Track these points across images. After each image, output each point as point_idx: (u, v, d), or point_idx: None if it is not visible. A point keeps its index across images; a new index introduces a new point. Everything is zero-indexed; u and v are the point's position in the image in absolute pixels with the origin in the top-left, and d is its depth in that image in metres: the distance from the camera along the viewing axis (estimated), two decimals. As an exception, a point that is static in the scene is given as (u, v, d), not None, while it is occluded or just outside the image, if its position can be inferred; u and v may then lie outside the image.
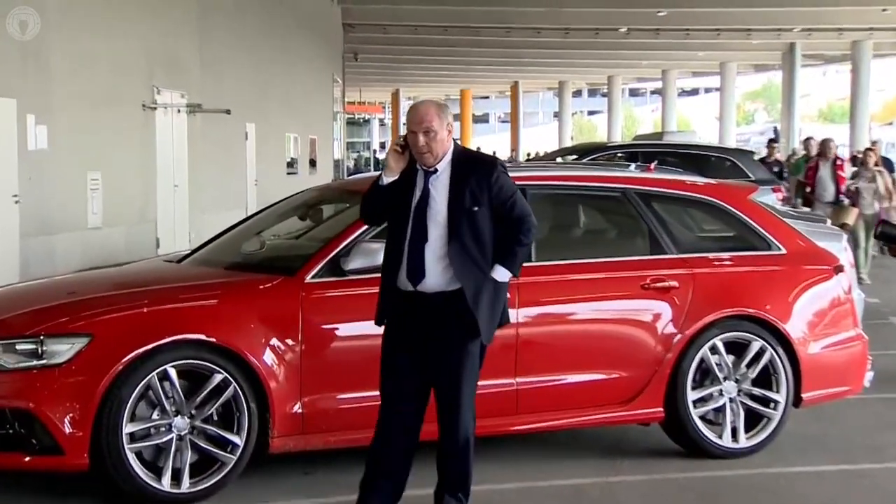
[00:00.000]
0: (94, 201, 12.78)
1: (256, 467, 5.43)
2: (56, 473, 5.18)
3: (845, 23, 31.68)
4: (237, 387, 5.20)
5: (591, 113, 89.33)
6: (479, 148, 44.27)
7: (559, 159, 15.10)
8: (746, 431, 6.12)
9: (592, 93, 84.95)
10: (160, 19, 15.22)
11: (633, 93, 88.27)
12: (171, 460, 5.12)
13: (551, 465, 5.97)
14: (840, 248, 7.12)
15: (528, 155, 47.65)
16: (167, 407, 5.13)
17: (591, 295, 5.95)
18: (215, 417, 5.23)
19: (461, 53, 41.42)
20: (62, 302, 5.41)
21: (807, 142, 18.07)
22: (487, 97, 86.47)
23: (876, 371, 6.62)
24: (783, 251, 6.40)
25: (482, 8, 29.68)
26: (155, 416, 5.13)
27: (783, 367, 6.14)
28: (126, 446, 5.03)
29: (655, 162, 7.29)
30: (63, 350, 5.00)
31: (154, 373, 5.07)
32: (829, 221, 9.12)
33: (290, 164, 25.54)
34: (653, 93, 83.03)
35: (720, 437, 6.08)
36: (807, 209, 13.02)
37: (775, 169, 16.73)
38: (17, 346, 5.02)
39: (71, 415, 4.94)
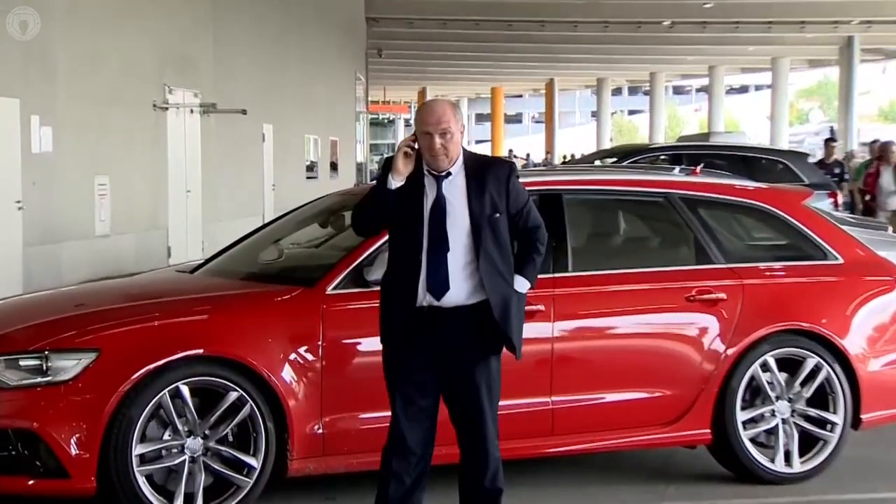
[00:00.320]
0: (101, 207, 12.88)
1: (274, 491, 5.44)
2: (61, 498, 5.21)
3: (907, 14, 31.48)
4: (253, 405, 5.21)
5: (631, 112, 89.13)
6: (510, 150, 44.17)
7: (598, 162, 15.07)
8: (801, 455, 6.08)
9: (633, 91, 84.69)
10: (172, 14, 15.34)
11: (678, 91, 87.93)
12: (183, 484, 5.14)
13: (590, 492, 5.95)
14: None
15: (564, 157, 47.56)
16: (179, 427, 5.15)
17: (633, 307, 5.93)
18: (230, 438, 5.25)
19: (492, 49, 41.43)
20: (68, 315, 5.45)
21: (873, 145, 17.85)
22: (520, 96, 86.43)
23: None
24: (840, 261, 6.36)
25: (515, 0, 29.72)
26: (166, 436, 5.16)
27: (840, 385, 6.10)
28: (136, 469, 5.05)
29: (701, 165, 7.25)
30: (69, 366, 5.04)
31: (165, 390, 5.09)
32: (890, 229, 9.06)
33: (310, 168, 25.64)
34: (698, 91, 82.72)
35: (772, 461, 6.05)
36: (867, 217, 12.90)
37: (836, 171, 16.33)
38: (21, 362, 5.07)
39: (77, 435, 4.97)
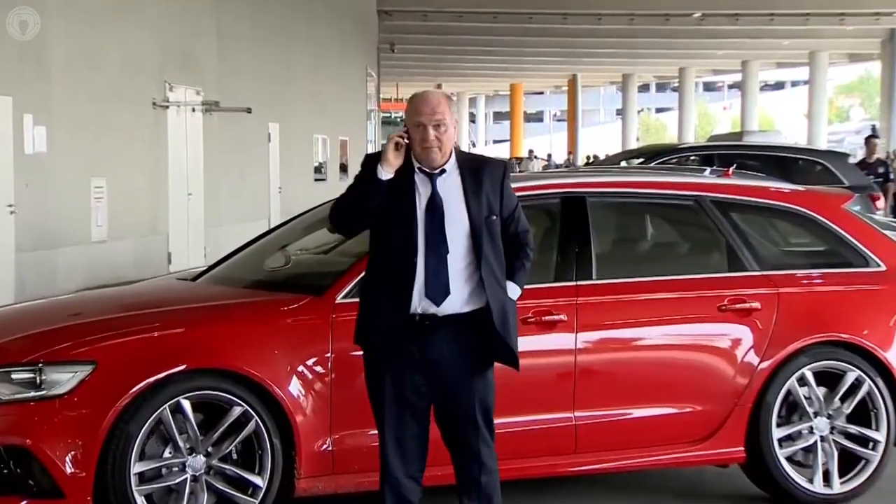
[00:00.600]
0: (98, 211, 12.93)
1: (280, 512, 5.44)
2: (56, 518, 5.22)
3: (954, 5, 31.38)
4: (259, 421, 5.22)
5: (659, 110, 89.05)
6: (531, 151, 44.17)
7: (623, 163, 15.05)
8: (841, 475, 6.06)
9: (661, 87, 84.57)
10: (173, 8, 15.40)
11: (708, 87, 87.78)
12: (184, 504, 5.15)
13: (615, 513, 5.95)
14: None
15: (588, 158, 47.54)
16: (180, 444, 5.16)
17: (661, 317, 5.92)
18: (234, 456, 5.26)
19: (512, 43, 41.48)
20: (63, 325, 5.46)
21: None
22: (542, 93, 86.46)
23: None
24: (883, 268, 6.34)
25: (535, -9, 29.77)
26: (167, 454, 5.16)
27: (883, 400, 6.08)
28: (134, 488, 5.05)
29: (734, 166, 7.24)
30: (64, 379, 5.05)
31: (166, 405, 5.10)
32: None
33: (318, 170, 25.70)
34: (731, 87, 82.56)
35: (810, 481, 6.03)
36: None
37: (880, 170, 16.15)
38: (13, 375, 5.07)
39: (73, 452, 4.98)
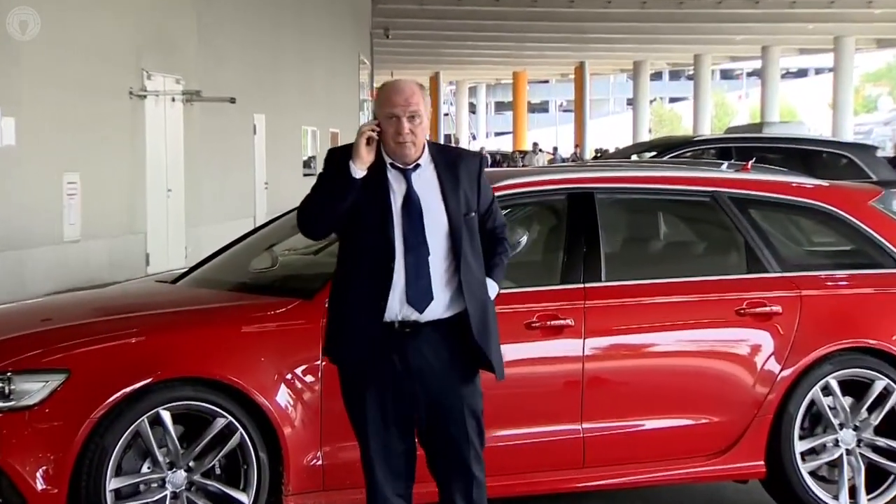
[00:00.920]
0: (71, 209, 12.92)
1: (267, 532, 5.45)
2: (26, 538, 5.22)
3: None
4: (244, 433, 5.23)
5: (673, 100, 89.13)
6: (535, 144, 44.07)
7: (634, 157, 15.06)
8: (868, 491, 6.07)
9: (675, 75, 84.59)
10: (150, -10, 15.40)
11: (726, 75, 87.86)
12: (163, 523, 5.16)
13: (626, 532, 5.96)
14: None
15: (596, 152, 47.56)
16: (160, 458, 5.16)
17: (675, 322, 5.93)
18: (218, 471, 5.26)
19: (515, 28, 41.49)
20: (33, 331, 5.46)
21: None
22: (546, 81, 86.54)
23: None
24: (913, 269, 6.35)
25: (540, -28, 29.80)
26: (145, 468, 5.17)
27: (913, 411, 6.09)
28: (110, 505, 5.07)
29: (753, 160, 7.25)
30: (35, 389, 5.05)
31: (144, 417, 5.11)
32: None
33: (308, 164, 25.70)
34: (750, 75, 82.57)
35: (835, 497, 6.04)
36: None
37: None
38: (-20, 385, 5.08)
39: (44, 467, 4.98)
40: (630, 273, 6.09)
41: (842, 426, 6.06)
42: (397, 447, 4.54)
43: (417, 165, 4.47)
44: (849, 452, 6.06)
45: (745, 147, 13.65)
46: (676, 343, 5.95)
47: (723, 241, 6.40)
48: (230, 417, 5.22)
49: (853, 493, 6.05)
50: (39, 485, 4.98)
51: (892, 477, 6.10)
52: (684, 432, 5.88)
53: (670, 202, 6.52)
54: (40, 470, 4.98)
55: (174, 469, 5.18)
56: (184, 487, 5.19)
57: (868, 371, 6.06)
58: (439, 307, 4.43)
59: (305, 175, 24.97)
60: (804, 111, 69.26)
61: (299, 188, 21.90)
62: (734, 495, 6.43)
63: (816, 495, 6.00)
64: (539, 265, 6.29)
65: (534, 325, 5.60)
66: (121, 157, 14.44)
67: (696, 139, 16.48)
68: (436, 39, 45.32)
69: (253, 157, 20.55)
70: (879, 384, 6.06)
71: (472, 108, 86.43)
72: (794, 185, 6.66)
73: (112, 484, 5.06)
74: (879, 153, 15.34)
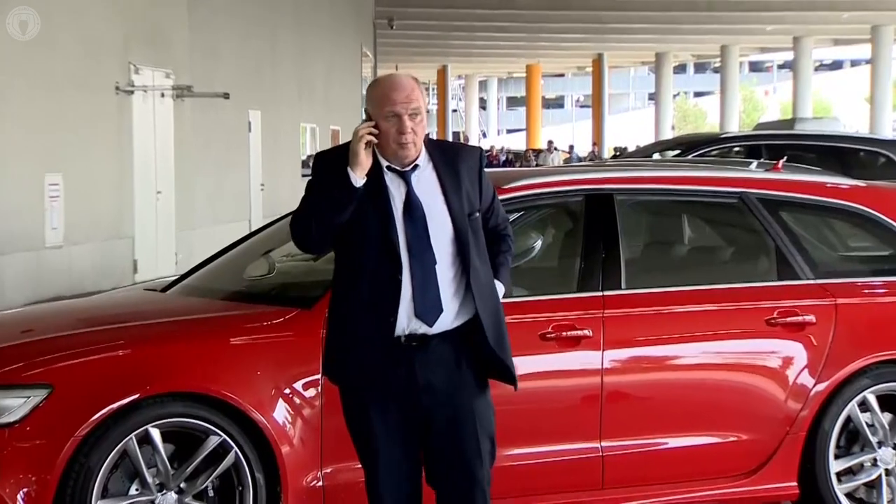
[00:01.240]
0: (53, 212, 12.95)
1: (263, 558, 5.44)
2: (6, 565, 5.24)
3: None
4: (239, 453, 5.23)
5: (698, 94, 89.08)
6: (550, 142, 43.93)
7: (656, 155, 15.06)
8: (908, 514, 6.06)
9: (700, 68, 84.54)
10: (138, -23, 15.43)
11: (755, 67, 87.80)
12: (153, 548, 5.17)
13: (649, 558, 5.94)
14: None
15: (615, 150, 47.55)
16: (149, 479, 5.16)
17: (700, 333, 5.93)
18: (211, 493, 5.26)
19: (528, 18, 41.51)
20: (13, 343, 5.46)
21: None
22: (562, 75, 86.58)
23: None
24: (956, 275, 6.35)
25: (555, -42, 29.81)
26: (133, 490, 5.17)
27: (957, 428, 6.08)
28: (96, 530, 5.08)
29: (784, 158, 7.25)
30: (15, 406, 5.05)
31: (132, 435, 5.10)
32: None
33: (307, 164, 25.69)
34: (780, 67, 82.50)
35: (873, 520, 6.03)
36: None
37: None
38: (-43, 401, 5.09)
39: (25, 489, 4.98)
40: (652, 280, 6.09)
41: (880, 444, 6.05)
42: (404, 469, 4.50)
43: (416, 166, 4.41)
44: (888, 472, 6.05)
45: (775, 145, 13.65)
46: (702, 355, 5.95)
47: (751, 246, 6.39)
48: (224, 435, 5.21)
49: (892, 516, 6.05)
50: (20, 508, 4.98)
51: (934, 499, 6.10)
52: (711, 451, 5.88)
53: (695, 204, 6.52)
54: (21, 492, 4.98)
55: (164, 491, 5.17)
56: (174, 510, 5.20)
57: (909, 385, 6.06)
58: (448, 317, 4.39)
59: (304, 175, 24.96)
60: (839, 106, 69.21)
61: (297, 189, 21.94)
62: (764, 519, 6.41)
63: (853, 518, 6.01)
64: (554, 272, 6.29)
65: (549, 336, 5.60)
66: (107, 156, 14.47)
67: (722, 136, 16.46)
68: (444, 30, 45.34)
69: (248, 156, 20.58)
70: (921, 399, 6.06)
71: (483, 104, 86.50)
72: (828, 185, 6.65)
73: (98, 507, 5.07)
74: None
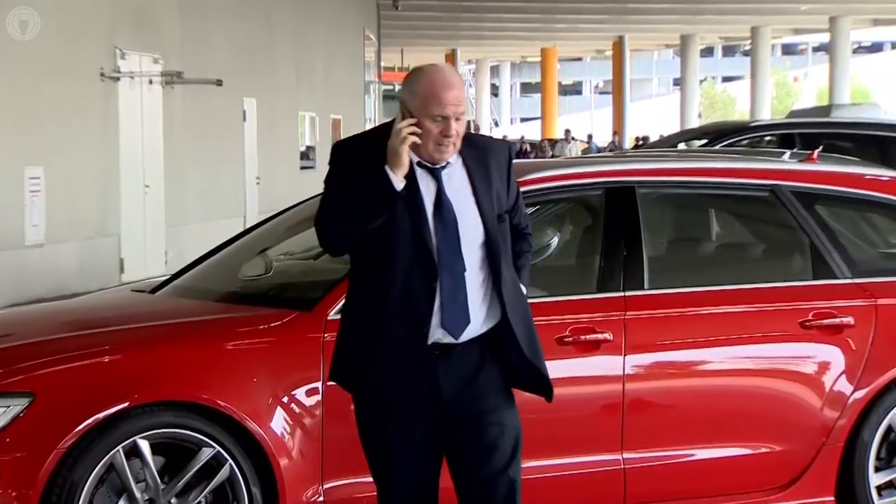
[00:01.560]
0: (34, 208, 12.96)
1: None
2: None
3: None
4: (234, 466, 5.23)
5: (726, 79, 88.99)
6: (567, 131, 43.88)
7: (682, 145, 15.05)
8: (954, 530, 6.06)
9: (729, 51, 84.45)
10: (125, -44, 15.44)
11: (788, 50, 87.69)
12: (142, 568, 5.18)
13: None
14: None
15: (637, 140, 47.53)
16: (137, 494, 5.16)
17: (729, 336, 5.93)
18: (204, 509, 5.28)
19: (543, -2, 41.45)
20: (-8, 348, 5.49)
21: None
22: (580, 59, 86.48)
23: None
24: None
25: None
26: (120, 506, 5.19)
27: None
28: (80, 549, 5.09)
29: (820, 148, 7.24)
30: (-6, 415, 5.08)
31: (119, 447, 5.11)
32: None
33: (306, 155, 25.76)
34: (816, 50, 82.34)
35: (916, 538, 6.03)
36: None
37: None
38: (-69, 410, 5.11)
39: (5, 505, 5.01)
40: (677, 280, 6.09)
41: (924, 456, 6.05)
42: (420, 484, 4.46)
43: (447, 163, 4.39)
44: (932, 486, 6.05)
45: (810, 134, 13.61)
46: (731, 360, 5.95)
47: (784, 243, 6.39)
48: (218, 447, 5.22)
49: (937, 532, 6.05)
50: (0, 525, 5.00)
51: (981, 514, 6.09)
52: (741, 463, 5.87)
53: (723, 198, 6.52)
54: (1, 508, 5.00)
55: (154, 506, 5.19)
56: (165, 528, 5.21)
57: (954, 392, 6.05)
58: (474, 327, 4.36)
59: (303, 168, 25.02)
60: (879, 91, 69.09)
61: (296, 183, 21.95)
62: (799, 536, 6.40)
63: (894, 535, 6.01)
64: (572, 271, 6.29)
65: (566, 339, 5.60)
66: (91, 148, 14.48)
67: (753, 125, 16.43)
68: (453, 11, 45.29)
69: (243, 147, 20.59)
70: (967, 407, 6.06)
71: (495, 91, 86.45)
72: (867, 177, 6.65)
73: (83, 524, 5.09)
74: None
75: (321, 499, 5.36)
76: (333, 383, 5.29)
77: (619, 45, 58.07)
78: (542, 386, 4.51)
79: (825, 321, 5.98)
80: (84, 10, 14.29)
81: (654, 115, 70.32)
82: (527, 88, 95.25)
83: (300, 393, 5.34)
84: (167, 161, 16.38)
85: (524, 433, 4.61)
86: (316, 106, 26.36)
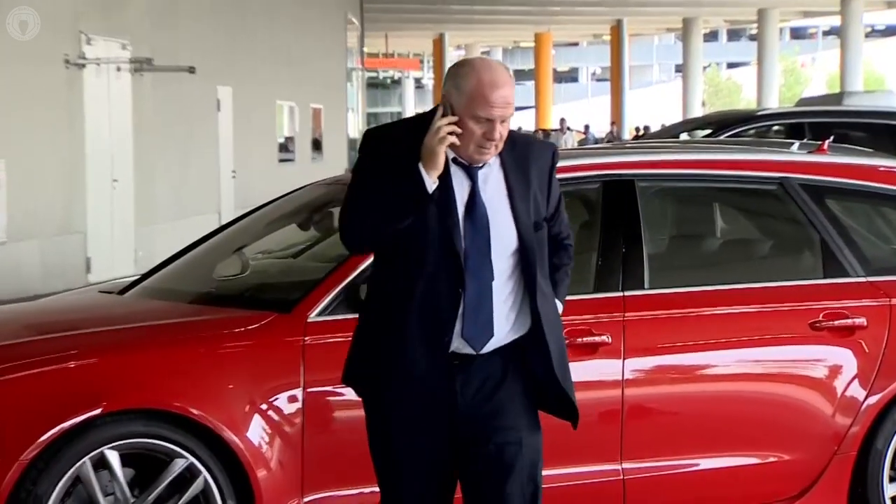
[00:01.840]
0: (-6, 205, 12.94)
1: None
2: None
3: None
4: (209, 477, 5.24)
5: (731, 66, 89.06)
6: (563, 121, 43.96)
7: (684, 136, 15.07)
8: (973, 544, 6.07)
9: (735, 35, 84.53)
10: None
11: (797, 34, 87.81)
12: (111, 587, 5.17)
13: None
14: None
15: (637, 130, 47.58)
16: (105, 508, 5.18)
17: (735, 339, 5.94)
18: (176, 524, 5.28)
19: (537, -21, 41.47)
20: (-50, 353, 5.48)
21: None
22: (576, 44, 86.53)
23: None
24: None
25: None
26: (87, 521, 5.19)
27: None
28: (45, 567, 5.08)
29: (831, 138, 7.25)
30: (-48, 425, 5.07)
31: (86, 458, 5.11)
32: None
33: (285, 147, 25.75)
34: (826, 34, 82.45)
35: (933, 552, 6.05)
36: None
37: None
38: None
39: (-36, 520, 5.01)
40: (679, 279, 6.10)
41: (941, 465, 6.07)
42: (428, 500, 4.41)
43: (484, 163, 4.32)
44: (950, 497, 6.07)
45: (820, 123, 13.62)
46: (737, 364, 5.96)
47: (793, 239, 6.41)
48: (191, 458, 5.22)
49: (955, 546, 6.06)
50: (-42, 542, 5.00)
51: None
52: (747, 473, 5.89)
53: (728, 191, 6.53)
54: (-41, 524, 5.00)
55: (123, 521, 5.20)
56: (135, 544, 5.21)
57: (974, 397, 6.07)
58: (499, 338, 4.31)
59: (282, 161, 25.00)
60: (894, 78, 69.18)
61: (273, 177, 21.93)
62: (809, 550, 6.41)
63: (910, 549, 6.02)
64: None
65: (562, 342, 5.60)
66: (55, 140, 14.45)
67: (760, 114, 16.45)
68: (440, -6, 45.36)
69: (217, 139, 20.57)
70: None
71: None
72: (881, 169, 6.66)
73: (48, 540, 5.08)
74: None
75: (301, 512, 5.36)
76: (312, 390, 5.32)
77: (617, 30, 58.07)
78: (568, 408, 4.44)
79: (836, 322, 5.99)
80: (47, -7, 14.26)
81: (654, 104, 70.33)
82: (520, 75, 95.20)
83: (279, 400, 5.34)
84: (137, 154, 16.35)
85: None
86: (295, 95, 26.33)
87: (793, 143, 7.32)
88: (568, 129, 47.62)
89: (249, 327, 5.48)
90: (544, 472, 5.00)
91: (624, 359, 5.68)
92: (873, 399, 5.97)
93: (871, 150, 7.91)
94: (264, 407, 5.32)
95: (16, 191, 13.23)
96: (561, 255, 4.55)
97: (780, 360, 5.98)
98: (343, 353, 5.41)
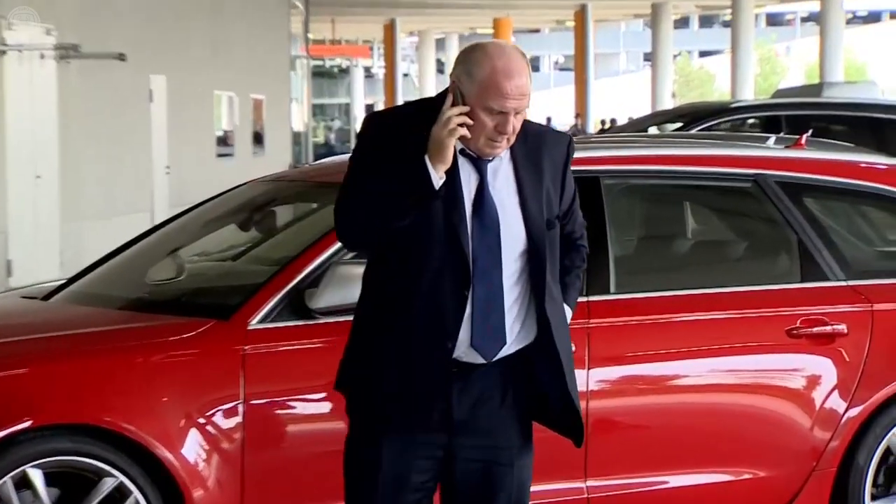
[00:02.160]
0: None
1: None
2: None
3: None
4: (140, 497, 5.22)
5: (703, 54, 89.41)
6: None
7: (653, 129, 15.12)
8: (960, 566, 6.12)
9: (707, 22, 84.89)
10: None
11: (774, 21, 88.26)
12: None
13: None
14: None
15: (603, 123, 47.70)
16: (28, 531, 5.16)
17: (707, 347, 5.97)
18: (105, 548, 5.27)
19: (495, -40, 41.53)
20: None
21: None
22: (537, 31, 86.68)
23: None
24: None
25: None
26: (9, 545, 5.17)
27: None
28: None
29: (809, 132, 7.29)
30: None
31: (7, 477, 5.10)
32: None
33: (223, 141, 25.65)
34: (805, 20, 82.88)
35: (918, 574, 6.09)
36: None
37: None
38: None
39: None
40: (648, 283, 6.13)
41: (927, 481, 6.11)
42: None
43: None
44: (935, 516, 6.12)
45: (798, 116, 13.70)
46: (709, 374, 5.99)
47: (769, 241, 6.44)
48: (122, 476, 5.21)
49: (941, 568, 6.11)
50: None
51: None
52: (721, 491, 5.92)
53: (700, 189, 6.56)
54: None
55: (48, 545, 5.18)
56: (61, 570, 5.20)
57: (961, 409, 6.11)
58: (505, 348, 4.26)
59: (220, 156, 24.91)
60: (876, 67, 69.60)
61: (211, 172, 21.85)
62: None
63: (893, 572, 6.07)
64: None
65: (522, 351, 5.61)
66: (-27, 133, 14.38)
67: (733, 106, 16.54)
68: (391, -25, 45.38)
69: (150, 131, 20.49)
70: (975, 426, 6.12)
71: (441, 67, 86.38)
72: (862, 165, 6.70)
73: (-35, 566, 5.07)
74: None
75: (241, 535, 5.36)
76: (253, 402, 5.31)
77: (581, 15, 58.18)
78: (574, 425, 4.42)
79: (815, 329, 6.02)
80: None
81: (621, 95, 70.58)
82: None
83: (217, 414, 5.33)
84: (62, 148, 16.28)
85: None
86: (234, 84, 26.25)
87: (769, 138, 7.35)
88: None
89: (185, 335, 5.47)
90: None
91: (588, 369, 5.69)
92: (854, 411, 6.00)
93: (851, 144, 7.96)
94: (201, 421, 5.31)
95: (-70, 188, 13.17)
96: (573, 256, 4.49)
97: (754, 370, 6.01)
98: (287, 362, 5.45)
